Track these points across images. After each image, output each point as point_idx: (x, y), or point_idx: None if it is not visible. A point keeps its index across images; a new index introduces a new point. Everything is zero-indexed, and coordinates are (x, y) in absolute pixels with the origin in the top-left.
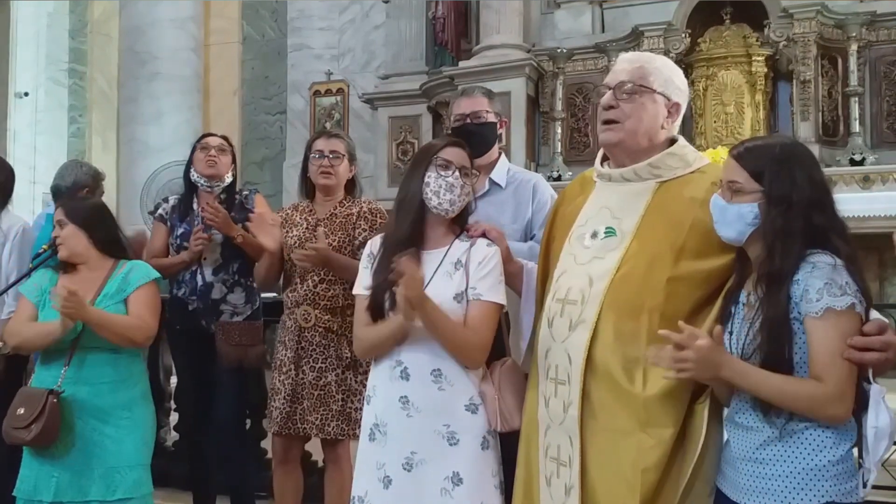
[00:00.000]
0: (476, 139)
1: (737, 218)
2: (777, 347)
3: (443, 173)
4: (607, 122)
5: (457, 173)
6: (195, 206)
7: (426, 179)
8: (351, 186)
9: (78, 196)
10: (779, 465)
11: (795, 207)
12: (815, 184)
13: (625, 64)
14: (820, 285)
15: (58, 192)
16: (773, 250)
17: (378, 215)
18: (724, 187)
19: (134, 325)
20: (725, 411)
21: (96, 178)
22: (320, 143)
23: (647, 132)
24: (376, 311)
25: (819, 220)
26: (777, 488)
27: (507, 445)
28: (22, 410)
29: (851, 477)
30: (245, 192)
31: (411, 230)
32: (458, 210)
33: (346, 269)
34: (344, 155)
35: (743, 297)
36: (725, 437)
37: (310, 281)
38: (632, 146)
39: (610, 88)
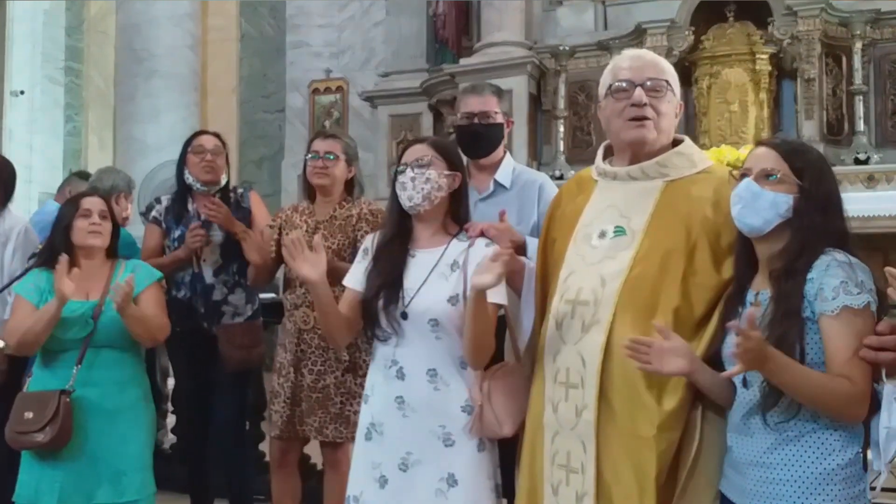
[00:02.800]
0: (483, 140)
1: (770, 206)
2: (790, 338)
3: (399, 178)
4: (638, 118)
5: (408, 170)
6: (190, 207)
7: (396, 191)
8: (350, 187)
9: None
10: (787, 469)
11: (829, 208)
12: (838, 190)
13: (640, 61)
14: (836, 283)
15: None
16: (805, 247)
17: (379, 216)
18: (755, 174)
19: (159, 323)
20: (728, 415)
21: (129, 184)
22: (317, 144)
23: (668, 129)
24: (367, 313)
25: (843, 226)
26: (785, 493)
27: (507, 450)
28: (31, 414)
29: (860, 480)
30: (240, 190)
31: (393, 231)
32: (425, 200)
33: (337, 272)
34: (340, 156)
35: (751, 297)
36: (729, 441)
37: None
38: (656, 145)
39: (636, 84)
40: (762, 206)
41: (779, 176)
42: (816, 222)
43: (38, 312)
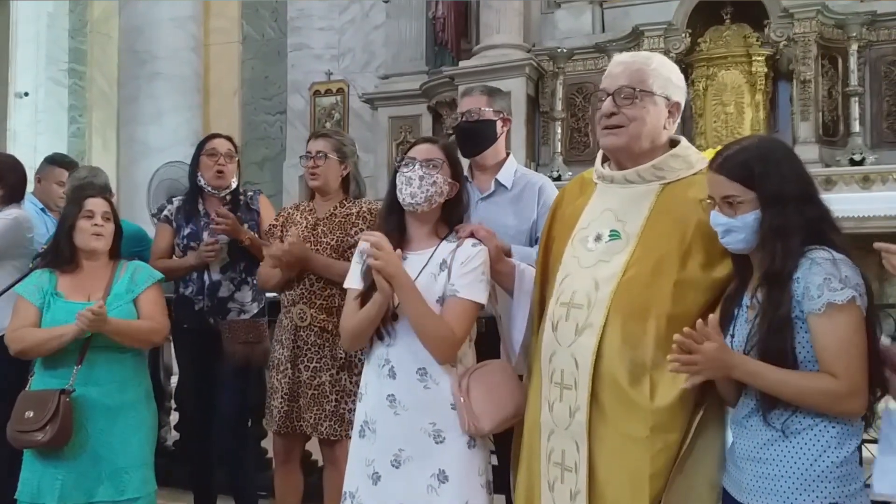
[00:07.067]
0: (472, 136)
1: (743, 228)
2: (777, 346)
3: (404, 170)
4: (609, 127)
5: (416, 166)
6: (201, 207)
7: (396, 182)
8: (348, 185)
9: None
10: (782, 465)
11: (790, 203)
12: (800, 175)
13: (621, 67)
14: (819, 281)
15: (85, 188)
16: (774, 250)
17: (378, 216)
18: (719, 203)
19: (153, 329)
20: (731, 412)
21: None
22: (309, 145)
23: (649, 135)
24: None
25: (811, 212)
26: (780, 489)
27: (505, 448)
28: (31, 413)
29: (856, 479)
30: (249, 193)
31: (389, 228)
32: (426, 201)
33: (327, 269)
34: (330, 154)
35: (746, 300)
36: (731, 439)
37: (306, 280)
38: (635, 149)
39: (609, 94)
40: (739, 232)
41: (737, 199)
42: (777, 223)
43: (49, 334)
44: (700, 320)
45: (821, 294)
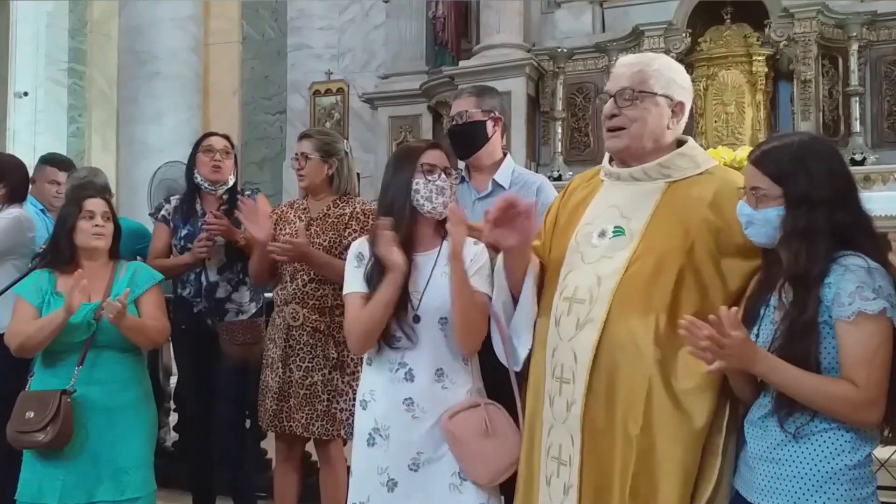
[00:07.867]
0: (461, 139)
1: (764, 223)
2: (800, 350)
3: (430, 178)
4: (612, 129)
5: (442, 175)
6: (198, 206)
7: (415, 186)
8: (341, 184)
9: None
10: (794, 465)
11: (817, 206)
12: (836, 179)
13: (624, 69)
14: (852, 289)
15: (84, 187)
16: (798, 252)
17: (371, 216)
18: (748, 194)
19: (158, 328)
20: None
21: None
22: (296, 147)
23: (651, 135)
24: None
25: (842, 217)
26: (791, 489)
27: None
28: (31, 414)
29: (868, 483)
30: (248, 192)
31: (403, 236)
32: (447, 209)
33: (325, 267)
34: (311, 155)
35: (774, 300)
36: (746, 434)
37: (299, 280)
38: (637, 150)
39: (611, 96)
40: (759, 225)
41: (762, 192)
42: (801, 225)
43: (42, 321)
44: (724, 307)
45: (852, 302)
